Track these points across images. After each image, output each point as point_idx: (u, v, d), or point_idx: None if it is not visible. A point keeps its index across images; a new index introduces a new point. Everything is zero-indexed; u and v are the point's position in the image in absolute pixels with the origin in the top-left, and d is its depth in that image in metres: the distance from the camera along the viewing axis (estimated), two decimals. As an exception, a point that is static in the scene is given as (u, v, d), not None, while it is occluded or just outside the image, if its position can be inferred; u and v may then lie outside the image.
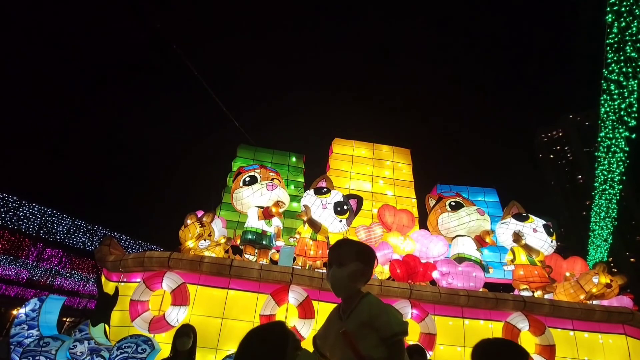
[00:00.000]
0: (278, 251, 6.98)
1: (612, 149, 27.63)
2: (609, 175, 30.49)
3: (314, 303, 5.70)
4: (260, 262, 6.36)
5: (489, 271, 7.35)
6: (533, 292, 6.58)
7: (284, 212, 7.86)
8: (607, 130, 26.23)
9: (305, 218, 6.95)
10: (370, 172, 11.17)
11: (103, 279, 6.19)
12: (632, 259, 68.84)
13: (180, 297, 5.46)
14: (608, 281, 6.44)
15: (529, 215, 7.33)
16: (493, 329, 6.00)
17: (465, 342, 5.85)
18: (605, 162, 29.70)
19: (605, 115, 25.05)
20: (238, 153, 11.50)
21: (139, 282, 5.60)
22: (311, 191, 7.35)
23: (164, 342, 5.16)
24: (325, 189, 7.33)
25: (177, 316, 5.36)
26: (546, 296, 6.55)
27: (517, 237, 6.95)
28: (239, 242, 7.31)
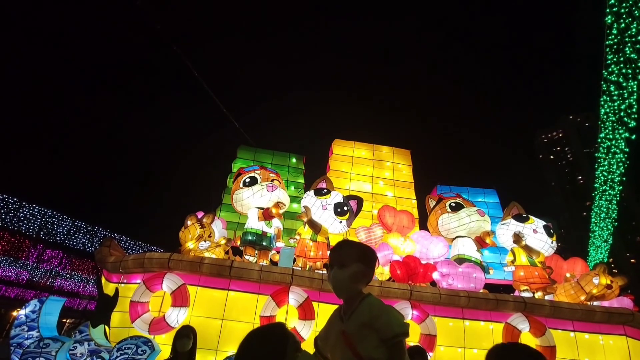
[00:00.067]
0: (278, 252, 6.97)
1: (612, 150, 27.65)
2: (609, 176, 30.49)
3: (314, 304, 5.70)
4: (261, 263, 6.36)
5: (489, 272, 7.35)
6: (533, 293, 6.58)
7: (284, 213, 7.86)
8: (607, 131, 26.25)
9: (305, 219, 6.95)
10: (371, 173, 11.18)
11: (103, 280, 6.19)
12: (632, 260, 68.77)
13: (180, 299, 5.46)
14: (608, 282, 6.44)
15: (529, 216, 7.33)
16: (493, 330, 6.00)
17: (465, 343, 5.85)
18: (605, 163, 29.71)
19: (605, 116, 25.08)
20: (238, 154, 11.51)
21: (139, 283, 5.60)
22: (311, 192, 7.35)
23: (164, 343, 5.16)
24: (325, 190, 7.33)
25: (177, 317, 5.36)
26: (547, 297, 6.54)
27: (518, 238, 6.95)
28: (239, 243, 7.30)
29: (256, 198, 7.13)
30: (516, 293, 6.84)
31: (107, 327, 5.55)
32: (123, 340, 4.93)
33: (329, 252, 6.62)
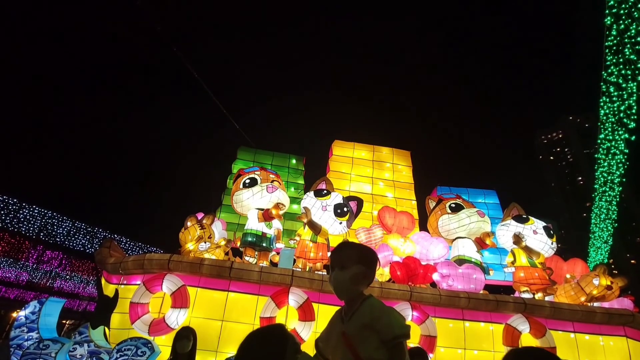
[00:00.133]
0: (278, 253, 6.97)
1: (611, 151, 27.67)
2: (609, 177, 30.50)
3: (314, 305, 5.69)
4: (261, 265, 6.36)
5: (489, 273, 7.34)
6: (534, 294, 6.57)
7: (284, 214, 7.86)
8: (606, 132, 26.27)
9: (305, 220, 6.95)
10: (370, 174, 11.19)
11: (103, 281, 6.19)
12: (632, 261, 68.73)
13: (180, 300, 5.45)
14: (609, 283, 6.44)
15: (529, 217, 7.33)
16: (494, 332, 5.99)
17: (465, 344, 5.84)
18: (605, 163, 29.72)
19: (604, 117, 25.10)
20: (238, 155, 11.52)
21: (139, 284, 5.60)
22: (311, 193, 7.35)
23: (164, 344, 5.16)
24: (325, 191, 7.33)
25: (177, 319, 5.36)
26: (547, 298, 6.54)
27: (518, 239, 6.95)
28: (239, 244, 7.31)
29: (256, 199, 7.13)
30: (516, 294, 6.83)
31: (106, 329, 5.55)
32: (123, 341, 4.93)
33: (329, 254, 6.63)
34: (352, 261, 1.85)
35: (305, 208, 7.05)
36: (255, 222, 7.07)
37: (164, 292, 5.59)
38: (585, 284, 6.55)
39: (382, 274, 7.06)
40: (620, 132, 25.24)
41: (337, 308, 1.97)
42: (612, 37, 19.37)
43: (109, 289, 5.94)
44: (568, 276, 7.03)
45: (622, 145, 26.34)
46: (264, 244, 6.97)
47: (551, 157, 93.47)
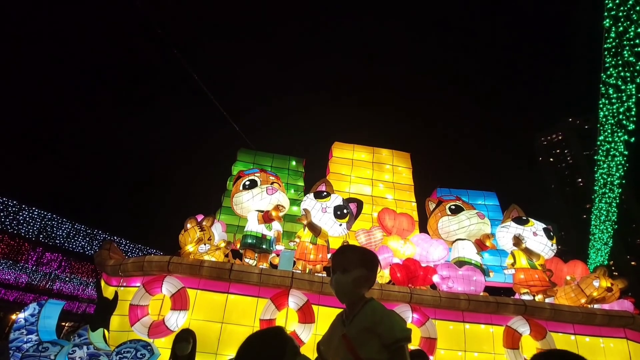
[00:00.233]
0: (278, 255, 6.97)
1: (611, 153, 27.69)
2: (609, 179, 30.51)
3: (314, 307, 5.68)
4: (260, 266, 6.35)
5: (489, 275, 7.34)
6: (534, 296, 6.56)
7: (283, 216, 7.86)
8: (606, 134, 26.30)
9: (305, 222, 6.95)
10: (370, 175, 11.19)
11: (102, 283, 6.18)
12: (632, 262, 68.69)
13: (179, 302, 5.44)
14: (609, 285, 6.43)
15: (529, 218, 7.33)
16: (494, 334, 5.98)
17: (466, 346, 5.83)
18: (605, 165, 29.74)
19: (604, 119, 25.14)
20: (238, 157, 11.53)
21: (138, 286, 5.59)
22: (311, 195, 7.35)
23: (164, 347, 5.14)
24: (325, 193, 7.33)
25: (177, 321, 5.35)
26: (547, 300, 6.53)
27: (518, 240, 6.95)
28: (238, 246, 7.30)
29: (256, 201, 7.13)
30: (516, 296, 6.83)
31: (106, 331, 5.53)
32: (122, 344, 4.92)
33: (330, 257, 6.63)
34: (354, 264, 1.85)
35: (305, 210, 7.05)
36: (255, 224, 7.06)
37: (163, 294, 5.58)
38: (586, 285, 6.55)
39: (382, 275, 7.05)
40: (619, 134, 25.27)
41: (337, 310, 1.97)
42: (611, 39, 19.43)
43: (108, 291, 5.93)
44: (568, 278, 7.02)
45: (622, 147, 26.37)
46: (264, 246, 6.97)
47: (551, 159, 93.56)
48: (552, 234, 7.11)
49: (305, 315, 5.56)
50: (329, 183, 7.99)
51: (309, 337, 5.45)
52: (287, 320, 5.73)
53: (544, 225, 7.20)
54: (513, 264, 7.03)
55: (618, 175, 29.20)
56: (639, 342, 6.12)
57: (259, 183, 7.31)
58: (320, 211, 6.98)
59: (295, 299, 5.62)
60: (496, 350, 5.85)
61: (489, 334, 5.99)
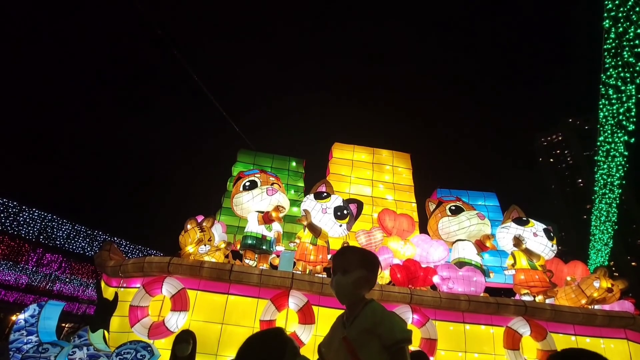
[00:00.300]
0: (278, 256, 6.96)
1: (611, 153, 27.68)
2: (609, 180, 30.48)
3: (314, 308, 5.68)
4: (260, 267, 6.35)
5: (489, 276, 7.33)
6: (534, 296, 6.56)
7: (284, 217, 7.86)
8: (606, 134, 26.29)
9: (305, 223, 6.95)
10: (370, 176, 11.20)
11: (103, 284, 6.18)
12: (633, 263, 68.59)
13: (180, 303, 5.44)
14: (609, 285, 6.43)
15: (530, 219, 7.33)
16: (494, 334, 5.97)
17: (466, 347, 5.82)
18: (605, 166, 29.72)
19: (604, 120, 25.13)
20: (238, 158, 11.55)
21: (138, 287, 5.59)
22: (311, 196, 7.36)
23: (164, 348, 5.13)
24: (325, 194, 7.34)
25: (177, 322, 5.34)
26: (547, 301, 6.52)
27: (518, 241, 6.94)
28: (239, 247, 7.30)
29: (256, 202, 7.14)
30: (517, 297, 6.82)
31: (106, 332, 5.53)
32: (122, 345, 4.91)
33: (331, 258, 6.63)
34: (355, 265, 1.85)
35: (305, 211, 7.05)
36: (255, 225, 7.06)
37: (163, 295, 5.58)
38: (586, 286, 6.54)
39: (383, 276, 7.04)
40: (619, 135, 25.26)
41: (337, 311, 1.97)
42: (611, 40, 19.44)
43: (108, 292, 5.93)
44: (569, 279, 7.02)
45: (622, 147, 26.34)
46: (264, 247, 6.97)
47: (551, 160, 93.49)
48: (552, 234, 7.11)
49: (306, 316, 5.56)
50: (329, 184, 8.00)
51: (309, 338, 5.44)
52: (287, 321, 5.73)
53: (544, 226, 7.20)
54: (513, 265, 7.03)
55: (618, 175, 29.18)
56: (639, 342, 6.11)
57: (259, 184, 7.31)
58: (320, 212, 6.98)
59: (295, 300, 5.62)
60: (496, 351, 5.85)
61: (489, 334, 5.98)
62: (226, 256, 6.78)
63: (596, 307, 6.46)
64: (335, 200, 7.17)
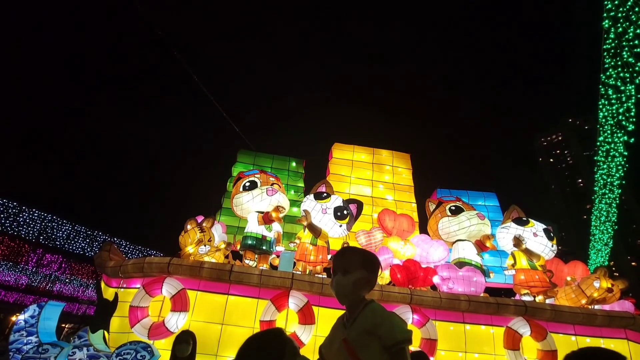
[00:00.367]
0: (278, 256, 6.97)
1: (611, 153, 27.68)
2: (609, 180, 30.48)
3: (315, 308, 5.67)
4: (260, 268, 6.35)
5: (489, 276, 7.33)
6: (534, 296, 6.56)
7: (284, 217, 7.86)
8: (605, 134, 26.30)
9: (305, 223, 6.95)
10: (370, 176, 11.20)
11: (102, 284, 6.17)
12: (633, 263, 68.58)
13: (180, 303, 5.44)
14: (609, 285, 6.43)
15: (530, 219, 7.33)
16: (494, 335, 5.97)
17: (466, 347, 5.82)
18: (605, 166, 29.72)
19: (603, 120, 25.14)
20: (238, 158, 11.55)
21: (138, 288, 5.59)
22: (311, 196, 7.36)
23: (164, 348, 5.13)
24: (325, 194, 7.34)
25: (177, 322, 5.34)
26: (547, 301, 6.52)
27: (518, 241, 6.94)
28: (239, 247, 7.30)
29: (256, 202, 7.14)
30: (517, 297, 6.82)
31: (106, 332, 5.53)
32: (122, 345, 4.91)
33: (331, 258, 6.63)
34: (355, 266, 1.85)
35: (305, 211, 7.05)
36: (255, 225, 7.07)
37: (163, 296, 5.58)
38: (586, 286, 6.54)
39: (383, 277, 7.04)
40: (619, 135, 25.26)
41: (337, 312, 1.97)
42: (610, 40, 19.45)
43: (108, 293, 5.92)
44: (569, 279, 7.02)
45: (622, 147, 26.34)
46: (264, 247, 6.97)
47: (551, 160, 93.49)
48: (552, 234, 7.11)
49: (306, 316, 5.56)
50: (329, 184, 8.00)
51: (309, 338, 5.44)
52: (288, 321, 5.73)
53: (544, 226, 7.20)
54: (513, 265, 7.03)
55: (618, 176, 29.18)
56: (639, 342, 6.11)
57: (259, 184, 7.31)
58: (320, 212, 6.98)
59: (295, 300, 5.62)
60: (497, 351, 5.84)
61: (489, 335, 5.98)
62: (226, 256, 6.78)
63: (596, 307, 6.46)
64: (335, 201, 7.17)
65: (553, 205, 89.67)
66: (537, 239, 6.94)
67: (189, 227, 6.28)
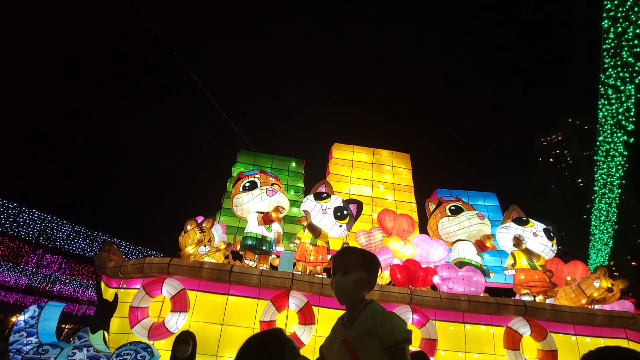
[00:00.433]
0: (278, 257, 6.96)
1: (610, 153, 27.69)
2: (609, 179, 30.49)
3: (315, 309, 5.67)
4: (260, 268, 6.35)
5: (489, 276, 7.33)
6: (534, 296, 6.56)
7: (283, 218, 7.86)
8: (605, 134, 26.31)
9: (305, 223, 6.95)
10: (370, 176, 11.20)
11: (102, 285, 6.17)
12: (633, 263, 68.58)
13: (180, 304, 5.44)
14: (609, 285, 6.43)
15: (529, 219, 7.33)
16: (494, 335, 5.97)
17: (466, 347, 5.82)
18: (604, 166, 29.73)
19: (603, 120, 25.16)
20: (238, 158, 11.55)
21: (138, 288, 5.58)
22: (311, 196, 7.36)
23: (164, 349, 5.13)
24: (325, 194, 7.34)
25: (177, 323, 5.34)
26: (547, 301, 6.52)
27: (518, 241, 6.95)
28: (238, 247, 7.30)
29: (256, 202, 7.14)
30: (517, 297, 6.82)
31: (106, 333, 5.52)
32: (122, 346, 4.90)
33: (331, 258, 6.63)
34: (355, 266, 1.85)
35: (305, 211, 7.05)
36: (255, 226, 7.07)
37: (163, 296, 5.57)
38: (586, 286, 6.54)
39: (383, 277, 7.04)
40: (619, 134, 25.27)
41: (337, 312, 1.97)
42: (610, 40, 19.47)
43: (108, 293, 5.92)
44: (569, 278, 7.02)
45: (621, 147, 26.36)
46: (264, 247, 6.97)
47: (551, 159, 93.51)
48: (552, 234, 7.11)
49: (306, 316, 5.55)
50: (329, 184, 8.00)
51: (309, 338, 5.44)
52: (288, 321, 5.73)
53: (544, 226, 7.20)
54: (513, 265, 7.03)
55: (618, 175, 29.19)
56: (639, 342, 6.11)
57: (259, 184, 7.31)
58: (320, 212, 6.98)
59: (295, 301, 5.62)
60: (497, 351, 5.84)
61: (489, 335, 5.98)
62: (226, 257, 6.77)
63: (596, 307, 6.46)
64: (335, 201, 7.17)
65: (553, 205, 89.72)
66: (537, 238, 6.94)
67: (189, 227, 6.28)
